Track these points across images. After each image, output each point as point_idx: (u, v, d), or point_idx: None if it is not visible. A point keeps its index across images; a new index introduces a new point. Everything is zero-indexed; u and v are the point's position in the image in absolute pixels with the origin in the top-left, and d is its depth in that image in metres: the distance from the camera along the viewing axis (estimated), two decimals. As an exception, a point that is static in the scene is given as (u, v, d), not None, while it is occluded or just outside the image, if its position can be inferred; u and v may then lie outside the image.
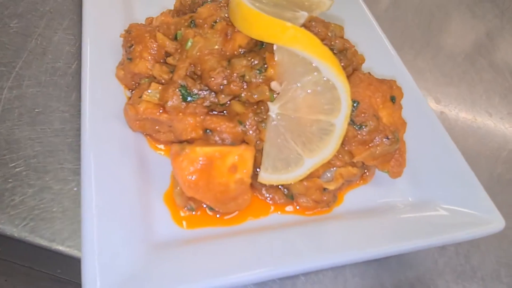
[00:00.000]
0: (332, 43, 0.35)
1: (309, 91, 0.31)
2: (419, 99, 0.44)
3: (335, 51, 0.36)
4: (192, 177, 0.30)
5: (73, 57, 0.45)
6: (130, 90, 0.39)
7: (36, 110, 0.40)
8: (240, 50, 0.34)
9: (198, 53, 0.34)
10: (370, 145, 0.34)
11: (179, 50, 0.35)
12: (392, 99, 0.37)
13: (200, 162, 0.30)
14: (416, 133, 0.41)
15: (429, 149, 0.41)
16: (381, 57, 0.48)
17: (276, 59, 0.31)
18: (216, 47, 0.34)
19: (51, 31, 0.47)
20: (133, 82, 0.38)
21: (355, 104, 0.34)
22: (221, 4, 0.37)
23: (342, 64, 0.35)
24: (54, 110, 0.40)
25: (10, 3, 0.48)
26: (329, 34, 0.36)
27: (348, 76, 0.36)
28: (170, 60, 0.35)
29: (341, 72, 0.30)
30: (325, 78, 0.30)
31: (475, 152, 0.52)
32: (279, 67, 0.31)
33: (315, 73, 0.30)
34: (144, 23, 0.45)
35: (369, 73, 0.37)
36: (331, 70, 0.29)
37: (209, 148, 0.30)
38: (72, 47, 0.46)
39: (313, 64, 0.30)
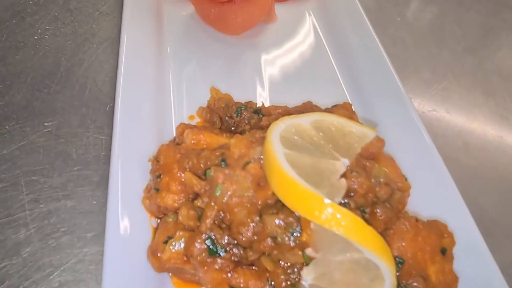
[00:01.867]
0: (377, 194, 0.32)
1: (348, 267, 0.27)
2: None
3: (377, 201, 0.32)
4: None
5: (99, 163, 0.43)
6: (156, 219, 0.37)
7: (62, 230, 0.39)
8: (273, 198, 0.31)
9: (227, 200, 0.31)
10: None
11: (207, 190, 0.33)
12: (443, 251, 0.33)
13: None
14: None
15: None
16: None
17: (312, 227, 0.28)
18: (247, 193, 0.31)
19: (83, 129, 0.46)
20: (159, 212, 0.36)
21: (400, 264, 0.31)
22: (256, 138, 0.34)
23: (384, 216, 0.31)
24: (79, 228, 0.39)
25: (48, 98, 0.48)
26: (373, 181, 0.32)
27: (392, 227, 0.32)
28: (197, 202, 0.33)
29: (386, 255, 0.27)
30: (368, 258, 0.27)
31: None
32: (315, 234, 0.28)
33: (357, 252, 0.27)
34: (175, 126, 0.43)
35: (416, 218, 0.33)
36: (375, 255, 0.26)
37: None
38: (101, 151, 0.44)
39: (355, 246, 0.26)
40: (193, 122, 0.46)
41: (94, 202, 0.41)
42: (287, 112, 0.42)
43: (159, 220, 0.36)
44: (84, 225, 0.39)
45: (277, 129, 0.32)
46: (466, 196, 0.39)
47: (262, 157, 0.32)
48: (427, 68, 0.62)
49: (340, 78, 0.53)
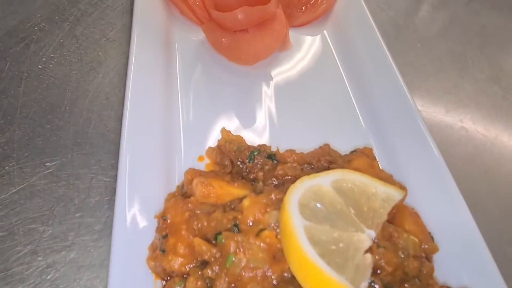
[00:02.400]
0: (406, 270, 0.29)
1: None
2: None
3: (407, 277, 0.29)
4: None
5: (102, 208, 0.41)
6: (162, 281, 0.34)
7: (61, 287, 0.36)
8: (290, 271, 0.28)
9: (239, 272, 0.28)
10: None
11: (217, 258, 0.30)
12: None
13: None
14: None
15: None
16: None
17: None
18: (261, 266, 0.28)
19: (86, 169, 0.43)
20: (165, 275, 0.33)
21: None
22: (272, 200, 0.31)
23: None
24: (78, 284, 0.36)
25: (50, 135, 0.45)
26: (401, 255, 0.29)
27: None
28: (206, 272, 0.30)
29: None
30: None
31: None
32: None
33: None
34: (184, 170, 0.40)
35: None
36: None
37: None
38: (104, 194, 0.42)
39: None
40: (203, 164, 0.44)
41: (96, 253, 0.38)
42: (303, 159, 0.39)
43: (164, 282, 0.34)
44: (85, 281, 0.36)
45: (295, 195, 0.29)
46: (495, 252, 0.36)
47: (278, 224, 0.29)
48: (449, 99, 0.58)
49: (359, 114, 0.50)
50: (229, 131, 0.44)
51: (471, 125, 0.56)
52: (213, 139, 0.45)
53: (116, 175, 0.39)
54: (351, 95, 0.52)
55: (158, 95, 0.47)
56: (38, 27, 0.56)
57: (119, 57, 0.54)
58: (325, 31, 0.62)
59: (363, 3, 0.59)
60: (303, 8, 0.61)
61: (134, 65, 0.48)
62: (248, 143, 0.44)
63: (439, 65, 0.63)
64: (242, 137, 0.44)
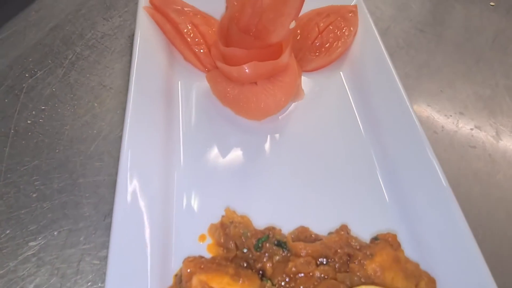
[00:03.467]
0: None
1: None
2: None
3: None
4: None
5: (93, 278, 0.36)
6: None
7: None
8: None
9: None
10: None
11: None
12: None
13: None
14: None
15: None
16: None
17: None
18: None
19: (73, 249, 0.39)
20: None
21: None
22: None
23: None
24: None
25: (38, 207, 0.41)
26: None
27: None
28: None
29: None
30: None
31: None
32: None
33: None
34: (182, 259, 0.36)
35: None
36: None
37: None
38: (93, 282, 0.37)
39: None
40: (204, 244, 0.39)
41: None
42: (318, 252, 0.34)
43: None
44: None
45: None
46: None
47: None
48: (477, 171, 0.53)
49: (382, 184, 0.45)
50: (234, 212, 0.39)
51: None
52: (215, 214, 0.41)
53: (107, 256, 0.34)
54: (375, 161, 0.47)
55: (156, 160, 0.43)
56: (30, 73, 0.52)
57: (116, 108, 0.50)
58: (341, 73, 0.57)
59: (381, 43, 0.54)
60: (317, 52, 0.56)
61: (130, 122, 0.43)
62: (255, 220, 0.39)
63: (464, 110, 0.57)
64: (248, 219, 0.39)
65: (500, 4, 0.76)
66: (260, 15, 0.44)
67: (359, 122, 0.51)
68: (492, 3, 0.76)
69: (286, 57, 0.45)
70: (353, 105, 0.53)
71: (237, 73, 0.46)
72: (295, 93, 0.51)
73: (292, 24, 0.42)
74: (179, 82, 0.52)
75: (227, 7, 0.47)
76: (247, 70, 0.45)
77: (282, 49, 0.46)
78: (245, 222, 0.38)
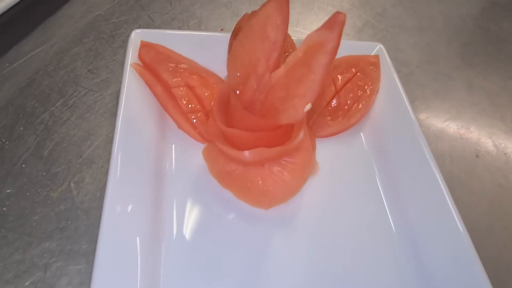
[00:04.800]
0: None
1: None
2: None
3: None
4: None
5: None
6: None
7: None
8: None
9: None
10: None
11: None
12: None
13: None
14: None
15: None
16: None
17: None
18: None
19: None
20: None
21: None
22: None
23: None
24: None
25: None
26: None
27: None
28: None
29: None
30: None
31: None
32: None
33: None
34: None
35: None
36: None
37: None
38: None
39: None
40: None
41: None
42: None
43: None
44: None
45: None
46: None
47: None
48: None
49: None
50: None
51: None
52: None
53: None
54: (405, 261, 0.39)
55: (141, 239, 0.35)
56: (6, 137, 0.44)
57: (96, 190, 0.42)
58: (361, 134, 0.49)
59: (408, 104, 0.46)
60: (334, 115, 0.48)
61: (109, 213, 0.35)
62: None
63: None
64: None
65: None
66: (267, 91, 0.36)
67: (385, 203, 0.43)
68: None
69: (299, 140, 0.37)
70: (377, 179, 0.45)
71: (238, 158, 0.38)
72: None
73: (308, 107, 0.34)
74: (173, 154, 0.44)
75: (228, 76, 0.39)
76: (249, 157, 0.37)
77: (293, 129, 0.38)
78: None
